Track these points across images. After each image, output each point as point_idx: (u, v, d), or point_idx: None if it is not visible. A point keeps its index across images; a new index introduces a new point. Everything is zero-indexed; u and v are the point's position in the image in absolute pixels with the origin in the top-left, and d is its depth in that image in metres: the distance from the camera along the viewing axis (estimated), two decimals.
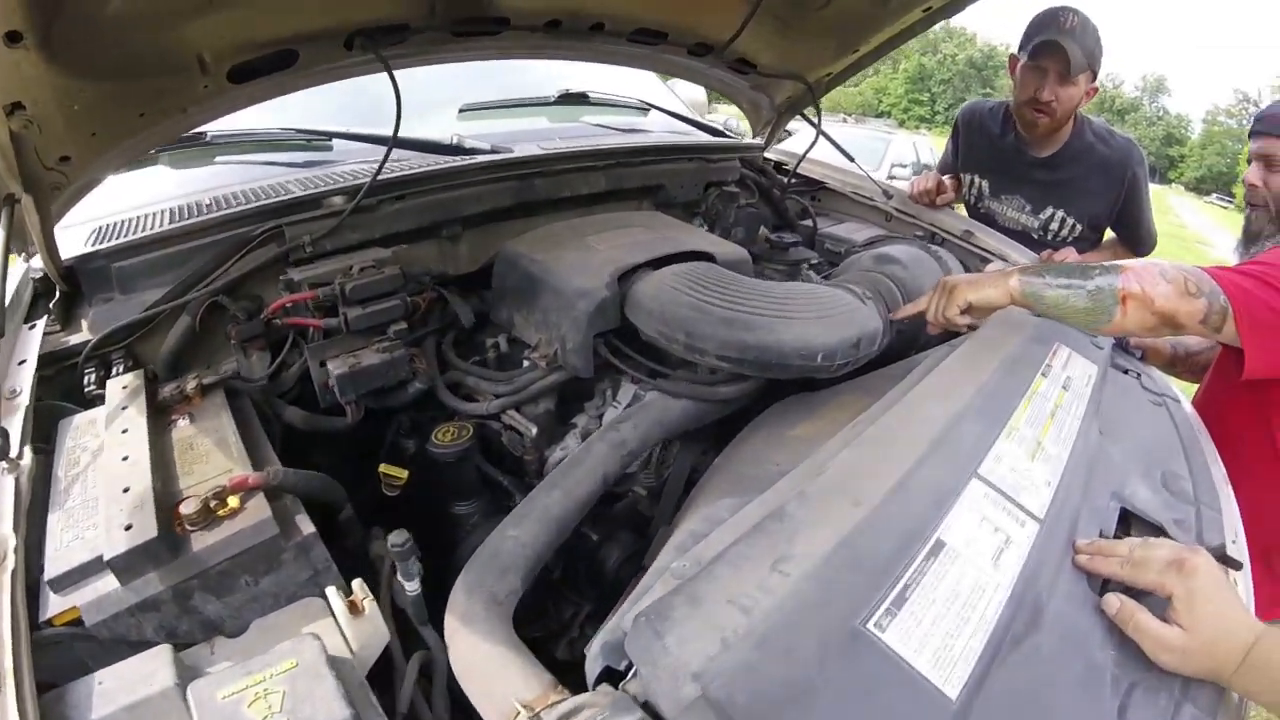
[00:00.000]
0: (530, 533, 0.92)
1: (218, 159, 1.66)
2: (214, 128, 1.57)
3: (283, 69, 1.20)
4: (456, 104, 2.01)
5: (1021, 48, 2.02)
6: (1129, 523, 1.07)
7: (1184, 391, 1.55)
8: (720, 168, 2.07)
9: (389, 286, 1.22)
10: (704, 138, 2.26)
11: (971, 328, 1.34)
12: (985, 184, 2.27)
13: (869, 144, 8.68)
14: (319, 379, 1.17)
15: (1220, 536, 1.06)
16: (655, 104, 2.34)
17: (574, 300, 1.24)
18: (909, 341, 1.59)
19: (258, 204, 1.31)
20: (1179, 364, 1.68)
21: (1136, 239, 2.22)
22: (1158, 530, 1.04)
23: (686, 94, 2.73)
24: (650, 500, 1.36)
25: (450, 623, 0.80)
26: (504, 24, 1.46)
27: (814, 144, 2.22)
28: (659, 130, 2.25)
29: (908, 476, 0.88)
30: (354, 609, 0.79)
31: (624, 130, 2.15)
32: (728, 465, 1.21)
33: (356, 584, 0.83)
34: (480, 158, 1.65)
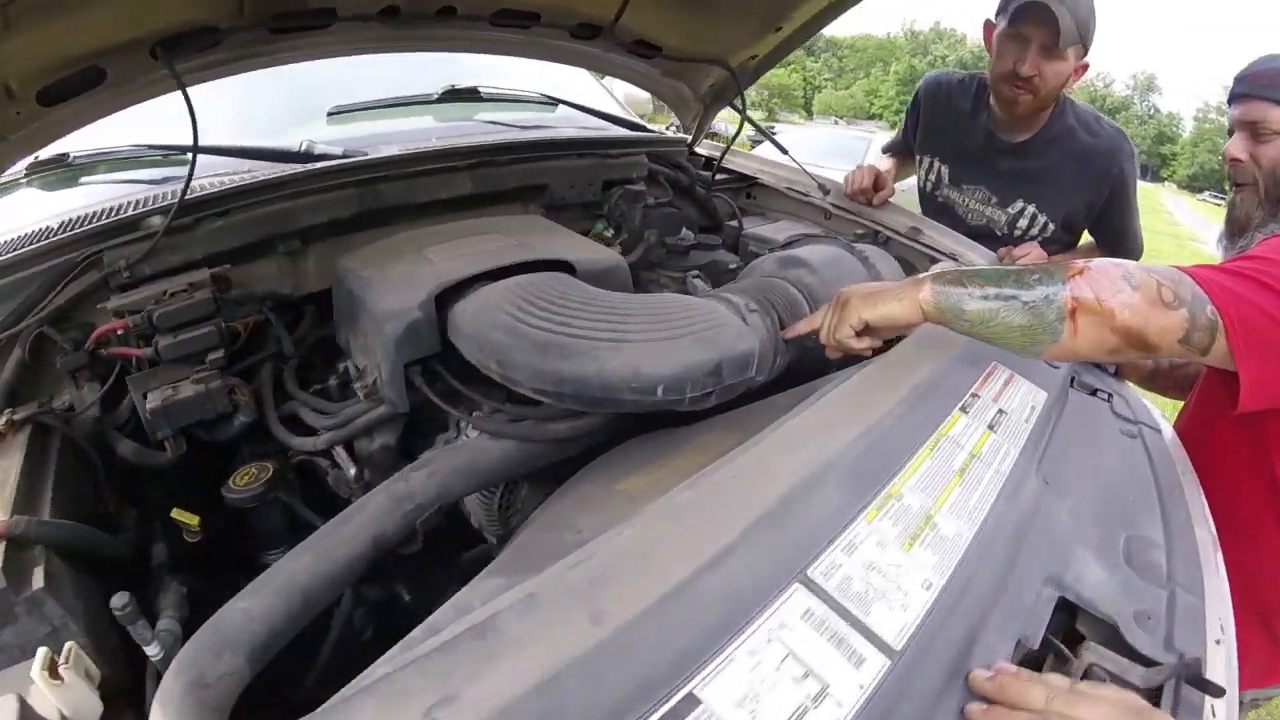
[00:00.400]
0: (264, 605, 0.78)
1: (82, 180, 1.58)
2: (78, 148, 1.53)
3: (92, 87, 1.13)
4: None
5: (1000, 11, 1.67)
6: (1074, 616, 0.77)
7: (1168, 413, 1.24)
8: (622, 164, 1.80)
9: (200, 312, 1.12)
10: (617, 132, 1.99)
11: (877, 351, 1.04)
12: (945, 170, 1.92)
13: (850, 143, 8.43)
14: (141, 412, 1.06)
15: (1200, 635, 0.75)
16: (565, 99, 2.05)
17: (382, 323, 1.06)
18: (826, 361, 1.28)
19: (77, 230, 1.21)
20: (1160, 378, 1.37)
21: (1120, 247, 1.84)
22: (1110, 629, 0.74)
23: (625, 93, 2.45)
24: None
25: (154, 706, 0.67)
26: (330, 16, 1.29)
27: (738, 134, 1.98)
28: (566, 126, 1.98)
29: (696, 577, 0.60)
30: (53, 674, 0.69)
31: (521, 127, 1.88)
32: (527, 527, 0.95)
33: (67, 647, 0.73)
34: (324, 164, 1.45)
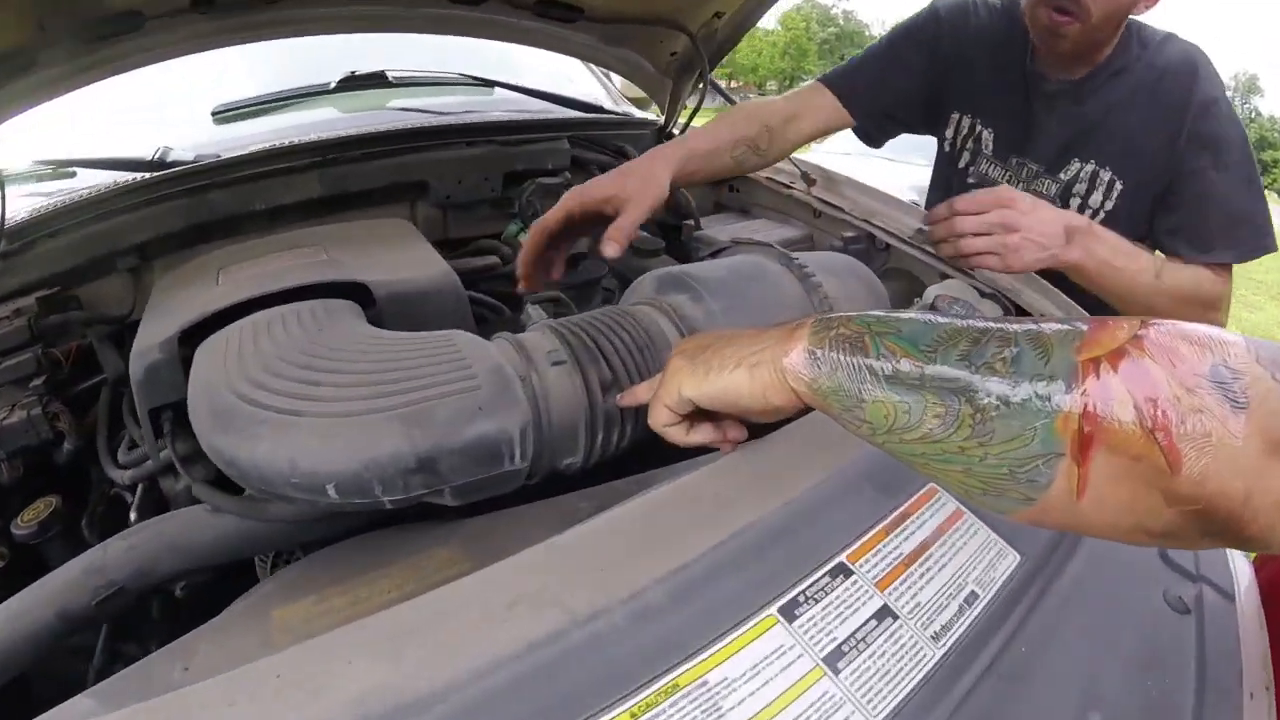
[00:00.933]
0: None
1: None
2: None
3: None
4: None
5: None
6: None
7: None
8: (530, 151, 1.43)
9: (16, 340, 1.07)
10: (558, 114, 1.63)
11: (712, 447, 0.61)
12: (989, 136, 1.33)
13: (924, 140, 7.55)
14: None
15: None
16: (501, 80, 1.69)
17: (132, 363, 0.89)
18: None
19: None
20: None
21: (1206, 248, 1.13)
22: None
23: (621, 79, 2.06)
24: None
25: None
26: (137, 17, 1.15)
27: (697, 109, 1.63)
28: (499, 111, 1.62)
29: None
30: None
31: (439, 114, 1.56)
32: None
33: None
34: (159, 173, 1.29)
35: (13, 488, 1.06)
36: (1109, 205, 1.22)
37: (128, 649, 0.92)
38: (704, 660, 0.42)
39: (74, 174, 1.40)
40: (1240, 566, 0.71)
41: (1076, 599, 0.60)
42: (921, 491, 0.56)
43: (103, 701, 0.62)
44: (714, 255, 1.20)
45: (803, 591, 0.47)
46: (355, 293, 0.93)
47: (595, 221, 0.99)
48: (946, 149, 1.40)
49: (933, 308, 0.94)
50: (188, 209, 1.25)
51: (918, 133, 1.43)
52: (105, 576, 0.75)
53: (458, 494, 0.69)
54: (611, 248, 0.93)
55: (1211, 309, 1.12)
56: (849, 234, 1.33)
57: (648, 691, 0.40)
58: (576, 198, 0.98)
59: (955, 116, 1.36)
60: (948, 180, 1.41)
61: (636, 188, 0.98)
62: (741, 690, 0.41)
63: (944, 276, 1.20)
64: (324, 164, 1.28)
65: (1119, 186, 1.20)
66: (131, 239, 1.23)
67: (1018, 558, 0.56)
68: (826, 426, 0.65)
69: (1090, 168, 1.22)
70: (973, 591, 0.51)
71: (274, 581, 0.80)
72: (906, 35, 1.33)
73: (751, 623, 0.45)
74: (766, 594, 0.47)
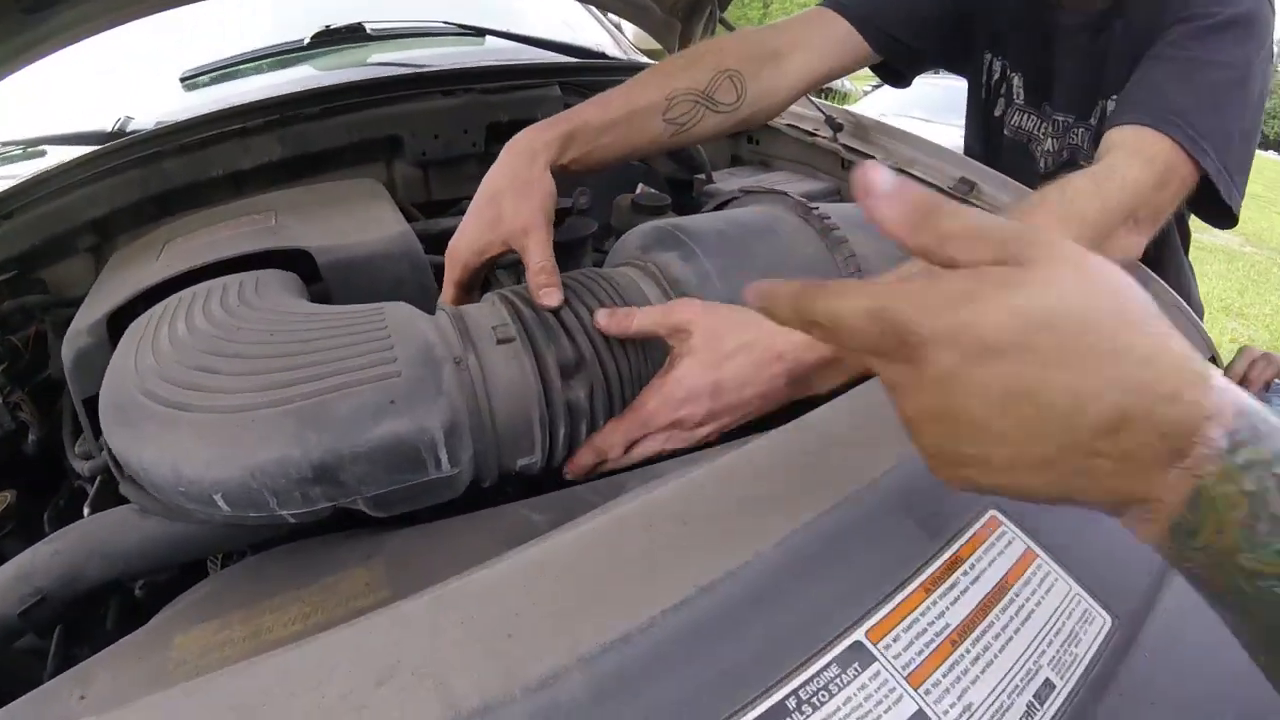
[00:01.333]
0: None
1: None
2: None
3: None
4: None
5: None
6: None
7: None
8: (514, 100, 1.26)
9: None
10: (549, 60, 1.47)
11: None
12: (1019, 81, 1.12)
13: (960, 99, 7.13)
14: None
15: None
16: (491, 28, 1.53)
17: (64, 348, 0.81)
18: None
19: None
20: None
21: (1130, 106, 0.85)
22: None
23: (634, 30, 1.89)
24: None
25: None
26: None
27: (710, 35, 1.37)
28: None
29: None
30: None
31: (418, 66, 1.40)
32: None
33: None
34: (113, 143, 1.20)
35: None
36: None
37: (82, 654, 0.80)
38: None
39: (44, 153, 1.35)
40: None
41: (1179, 661, 0.43)
42: (981, 523, 0.40)
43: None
44: (720, 208, 1.02)
45: (798, 690, 0.31)
46: (299, 262, 0.81)
47: (498, 265, 0.82)
48: (982, 95, 1.19)
49: None
50: (142, 180, 1.15)
51: (949, 69, 1.21)
52: (31, 584, 0.67)
53: (376, 505, 0.55)
54: (548, 295, 0.66)
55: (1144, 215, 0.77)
56: None
57: None
58: (456, 259, 0.76)
59: (987, 58, 1.15)
60: (984, 129, 1.22)
61: (511, 214, 0.72)
62: None
63: None
64: (282, 122, 1.16)
65: None
66: (87, 215, 1.15)
67: (1107, 621, 0.39)
68: (846, 422, 0.48)
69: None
70: (1048, 680, 0.35)
71: (184, 600, 0.70)
72: None
73: None
74: (743, 693, 0.31)
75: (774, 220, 0.81)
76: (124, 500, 0.77)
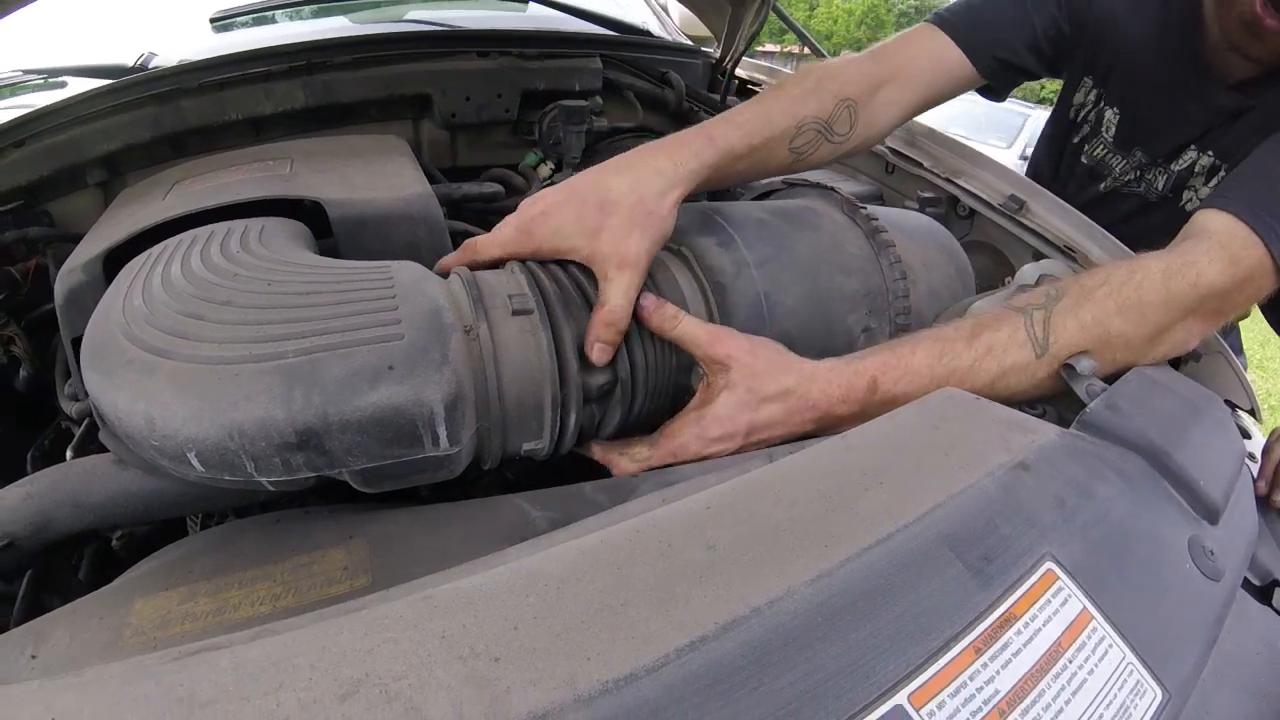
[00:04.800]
0: None
1: None
2: None
3: None
4: None
5: None
6: None
7: None
8: (551, 69, 1.21)
9: None
10: (593, 31, 1.41)
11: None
12: (1114, 116, 1.06)
13: (1003, 117, 7.01)
14: None
15: None
16: None
17: (56, 285, 0.77)
18: None
19: None
20: None
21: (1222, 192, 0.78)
22: None
23: (680, 13, 1.84)
24: None
25: None
26: None
27: (756, 33, 1.34)
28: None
29: None
30: None
31: (453, 27, 1.35)
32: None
33: None
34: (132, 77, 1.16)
35: None
36: (1199, 187, 1.01)
37: (52, 603, 0.76)
38: None
39: (65, 84, 1.33)
40: None
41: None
42: (1038, 576, 0.35)
43: None
44: (762, 198, 0.97)
45: None
46: (311, 214, 0.77)
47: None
48: (1069, 115, 1.12)
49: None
50: (156, 118, 1.11)
51: (1039, 78, 1.12)
52: (1, 529, 0.64)
53: (364, 480, 0.50)
54: (601, 352, 0.59)
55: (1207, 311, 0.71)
56: (927, 194, 1.10)
57: None
58: (521, 242, 0.65)
59: (1087, 83, 1.08)
60: (1060, 150, 1.16)
61: (618, 241, 0.62)
62: None
63: (1037, 255, 0.97)
64: (309, 69, 1.11)
65: (1222, 170, 0.98)
66: (99, 149, 1.12)
67: (1159, 695, 0.35)
68: (897, 442, 0.44)
69: (1208, 159, 0.99)
70: None
71: (154, 560, 0.66)
72: None
73: None
74: None
75: (817, 214, 0.76)
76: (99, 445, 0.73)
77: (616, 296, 0.59)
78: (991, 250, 1.08)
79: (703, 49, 1.54)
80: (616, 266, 0.60)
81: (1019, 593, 0.34)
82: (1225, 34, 0.88)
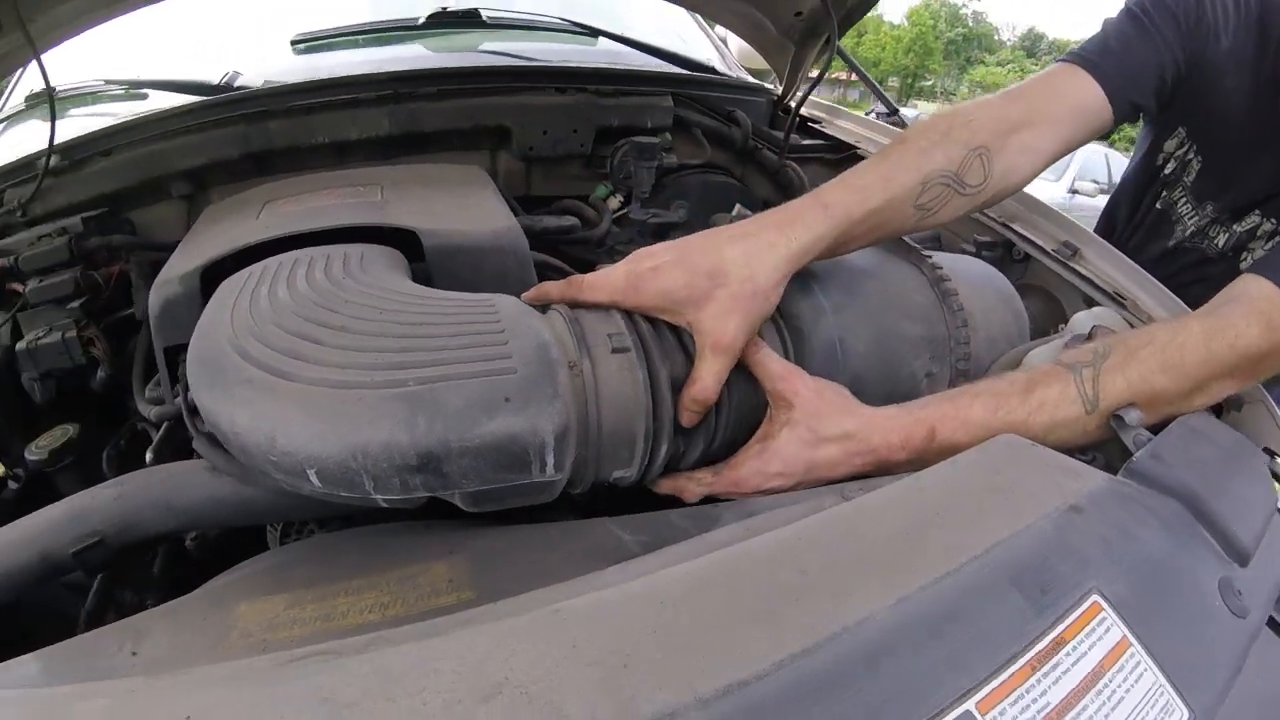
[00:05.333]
0: None
1: (70, 113, 1.45)
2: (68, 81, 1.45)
3: None
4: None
5: None
6: None
7: None
8: (626, 106, 1.27)
9: (57, 259, 1.07)
10: (663, 69, 1.48)
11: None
12: (1197, 164, 1.07)
13: (1086, 154, 6.89)
14: None
15: None
16: (605, 30, 1.56)
17: (151, 295, 0.82)
18: None
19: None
20: None
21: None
22: None
23: (739, 46, 1.90)
24: None
25: None
26: None
27: (821, 77, 1.39)
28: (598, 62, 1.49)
29: None
30: None
31: (530, 59, 1.43)
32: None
33: None
34: (219, 96, 1.24)
35: (44, 410, 1.04)
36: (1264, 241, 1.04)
37: (124, 597, 0.85)
38: None
39: (146, 96, 1.39)
40: None
41: None
42: (1085, 607, 0.41)
43: (45, 668, 0.56)
44: None
45: None
46: (404, 242, 0.81)
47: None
48: (1157, 161, 1.13)
49: (1089, 338, 0.76)
50: (244, 137, 1.17)
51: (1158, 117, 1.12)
52: (88, 525, 0.68)
53: (472, 501, 0.56)
54: (689, 419, 0.64)
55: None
56: (984, 238, 1.15)
57: None
58: (628, 294, 0.66)
59: (1181, 132, 1.08)
60: (1140, 189, 1.19)
61: (722, 319, 0.63)
62: None
63: (1089, 301, 1.01)
64: (394, 99, 1.17)
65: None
66: (185, 164, 1.18)
67: (1185, 714, 0.40)
68: (961, 486, 0.49)
69: (1270, 225, 1.02)
70: None
71: (249, 567, 0.71)
72: (1161, 5, 0.97)
73: None
74: None
75: (883, 262, 0.81)
76: (188, 450, 0.78)
77: (708, 378, 0.62)
78: (1045, 295, 1.12)
79: (765, 85, 1.60)
80: (712, 349, 0.63)
81: (1069, 621, 0.39)
82: None
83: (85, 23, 1.14)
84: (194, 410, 0.74)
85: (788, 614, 0.37)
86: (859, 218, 0.71)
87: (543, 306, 0.69)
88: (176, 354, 0.79)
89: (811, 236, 0.67)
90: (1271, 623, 0.56)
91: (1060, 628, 0.39)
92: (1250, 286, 0.74)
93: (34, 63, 1.09)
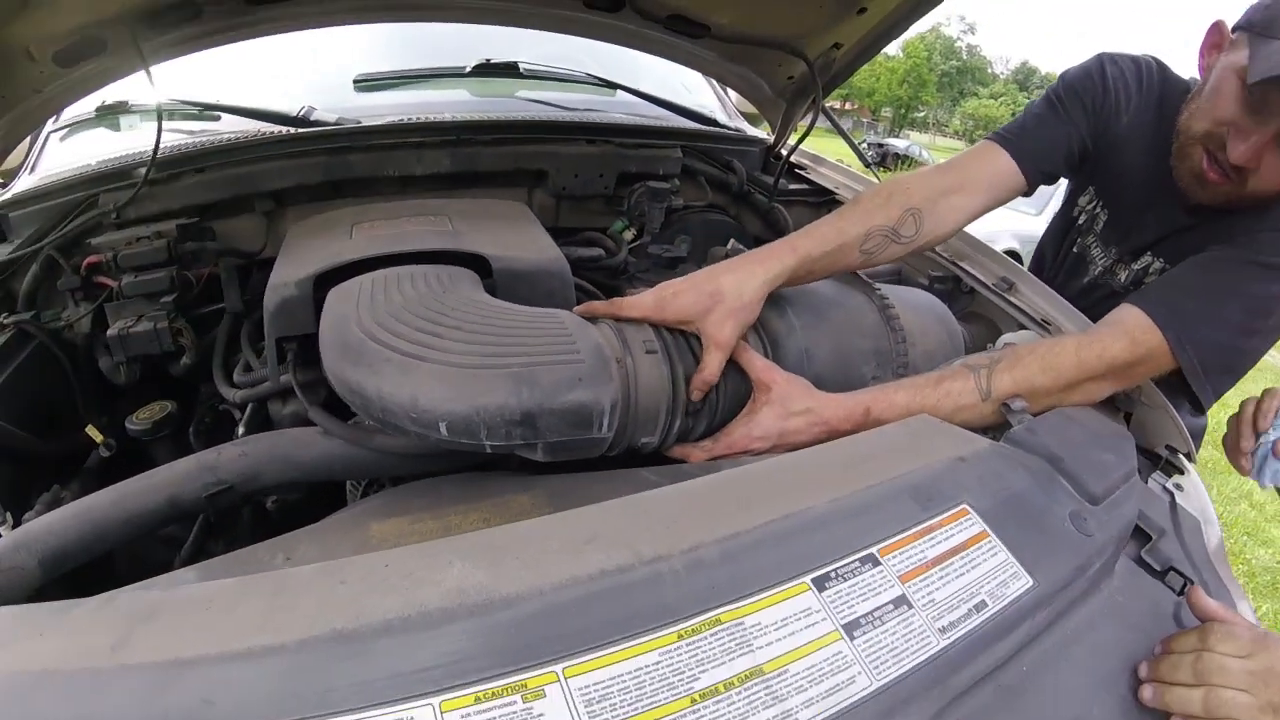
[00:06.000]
0: (62, 524, 0.82)
1: (140, 125, 1.65)
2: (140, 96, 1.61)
3: (100, 53, 1.22)
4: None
5: (1247, 27, 0.95)
6: None
7: None
8: (644, 155, 1.52)
9: (155, 258, 1.21)
10: (673, 123, 1.73)
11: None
12: (1104, 216, 1.29)
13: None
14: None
15: None
16: (624, 84, 1.80)
17: (267, 295, 1.00)
18: None
19: (84, 173, 1.36)
20: None
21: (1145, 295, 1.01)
22: None
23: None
24: None
25: None
26: None
27: (806, 134, 1.63)
28: (613, 112, 1.73)
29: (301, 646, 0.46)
30: None
31: (562, 108, 1.68)
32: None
33: None
34: (306, 129, 1.44)
35: (126, 391, 1.21)
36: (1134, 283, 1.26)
37: (214, 547, 1.04)
38: (743, 606, 0.51)
39: (218, 118, 1.54)
40: None
41: (1085, 636, 0.66)
42: (955, 509, 0.63)
43: (203, 576, 0.70)
44: None
45: (835, 570, 0.55)
46: (474, 263, 1.02)
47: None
48: (1073, 213, 1.37)
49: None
50: (327, 166, 1.37)
51: (1069, 180, 1.37)
52: (217, 475, 0.87)
53: (548, 450, 0.77)
54: (698, 395, 0.88)
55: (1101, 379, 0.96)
56: (936, 274, 1.38)
57: (693, 621, 0.49)
58: (660, 312, 0.91)
59: (1090, 190, 1.32)
60: (1060, 240, 1.42)
61: (719, 321, 0.89)
62: (770, 635, 0.50)
63: (1022, 326, 1.24)
64: (456, 143, 1.40)
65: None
66: (271, 185, 1.35)
67: (1030, 583, 0.62)
68: (886, 443, 0.73)
69: (1159, 264, 1.21)
70: (983, 600, 0.58)
71: (371, 500, 0.90)
72: (1071, 92, 1.20)
73: (787, 586, 0.53)
74: (803, 566, 0.55)
75: (843, 293, 1.05)
76: (269, 426, 1.00)
77: (712, 365, 0.87)
78: (986, 321, 1.35)
79: (759, 136, 1.84)
80: (714, 346, 0.88)
81: (944, 515, 0.62)
82: (1181, 178, 1.08)
83: (192, 48, 1.30)
84: (308, 386, 0.96)
85: (760, 503, 0.60)
86: (817, 256, 0.98)
87: (590, 318, 0.91)
88: (283, 344, 0.99)
89: (782, 268, 0.94)
90: (1147, 566, 0.79)
91: (938, 519, 0.62)
92: (1124, 313, 0.97)
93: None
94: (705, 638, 0.48)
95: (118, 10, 1.15)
